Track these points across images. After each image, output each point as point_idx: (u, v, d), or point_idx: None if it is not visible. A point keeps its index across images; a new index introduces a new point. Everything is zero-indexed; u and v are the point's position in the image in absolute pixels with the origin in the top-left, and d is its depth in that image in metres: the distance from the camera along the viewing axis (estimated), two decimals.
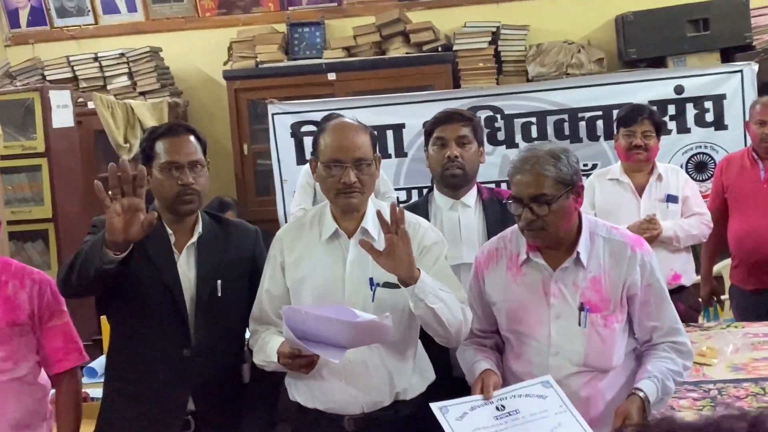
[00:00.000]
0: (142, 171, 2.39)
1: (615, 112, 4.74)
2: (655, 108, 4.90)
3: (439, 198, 3.11)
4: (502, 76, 6.34)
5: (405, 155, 5.82)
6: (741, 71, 5.44)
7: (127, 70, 6.65)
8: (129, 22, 6.92)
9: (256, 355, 2.58)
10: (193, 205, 2.66)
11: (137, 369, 2.68)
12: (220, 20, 6.82)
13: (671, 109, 5.55)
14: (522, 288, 2.50)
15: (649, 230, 3.85)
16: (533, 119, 5.72)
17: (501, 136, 5.73)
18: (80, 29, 6.97)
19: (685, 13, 5.90)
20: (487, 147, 5.54)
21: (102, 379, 2.90)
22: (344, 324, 2.28)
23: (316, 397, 2.56)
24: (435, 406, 2.38)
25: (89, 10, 6.93)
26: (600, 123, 5.58)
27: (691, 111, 5.54)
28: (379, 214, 2.36)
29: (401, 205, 3.12)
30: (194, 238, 2.69)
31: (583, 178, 4.27)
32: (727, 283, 4.62)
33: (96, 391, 3.02)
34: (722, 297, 4.69)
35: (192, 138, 2.69)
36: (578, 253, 2.44)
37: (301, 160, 5.76)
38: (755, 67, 5.42)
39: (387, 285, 2.46)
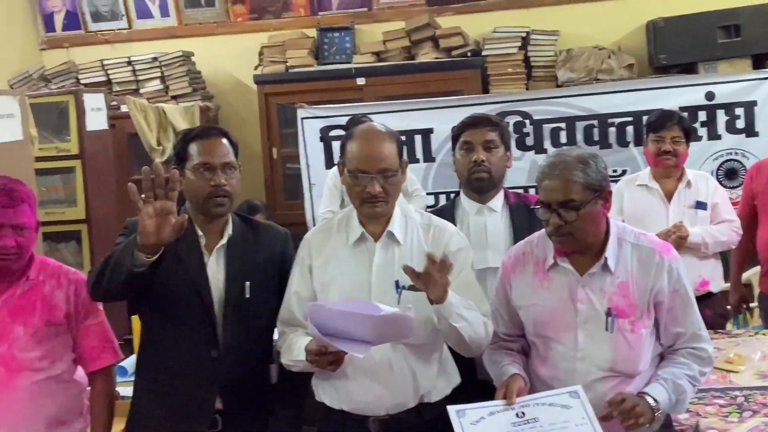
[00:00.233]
0: (174, 174, 2.42)
1: (645, 118, 4.71)
2: (685, 114, 4.89)
3: (465, 202, 3.11)
4: (532, 81, 6.34)
5: (433, 160, 5.84)
6: None
7: (159, 74, 6.73)
8: (162, 27, 7.00)
9: (284, 355, 2.60)
10: (224, 207, 2.68)
11: (166, 369, 2.70)
12: (251, 25, 6.88)
13: (702, 116, 5.52)
14: (549, 293, 2.50)
15: (676, 236, 3.84)
16: (562, 125, 5.70)
17: (530, 141, 5.73)
18: (114, 33, 7.07)
19: (717, 19, 5.86)
20: (516, 152, 5.56)
21: (132, 378, 2.93)
22: (368, 318, 2.27)
23: (341, 398, 2.57)
24: (452, 409, 2.38)
25: (123, 15, 7.02)
26: (630, 129, 5.56)
27: (722, 117, 5.50)
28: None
29: (428, 210, 3.15)
30: (224, 240, 2.71)
31: (613, 184, 4.31)
32: (756, 290, 4.58)
33: (126, 390, 3.06)
34: (751, 304, 4.65)
35: (225, 140, 2.72)
36: (606, 259, 2.43)
37: (329, 164, 5.79)
38: None
39: (413, 288, 2.45)
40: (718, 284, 4.11)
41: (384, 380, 2.53)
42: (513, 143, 5.52)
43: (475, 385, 2.78)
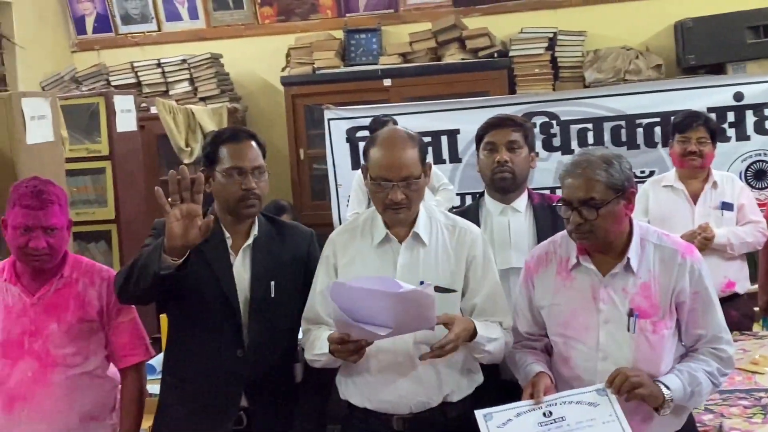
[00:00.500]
0: (200, 177, 2.48)
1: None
2: (713, 115, 4.87)
3: (489, 203, 3.12)
4: (559, 82, 6.35)
5: (459, 161, 5.87)
6: None
7: (188, 76, 6.80)
8: (191, 29, 7.08)
9: (308, 351, 2.62)
10: (255, 209, 2.72)
11: (192, 367, 2.74)
12: (278, 27, 6.94)
13: (730, 116, 5.51)
14: (571, 292, 2.51)
15: (700, 238, 3.84)
16: (590, 125, 5.71)
17: (557, 142, 5.74)
18: (144, 36, 7.16)
19: (745, 20, 5.85)
20: (543, 153, 5.59)
21: (160, 376, 2.98)
22: (388, 296, 2.27)
23: (365, 396, 2.59)
24: (479, 414, 2.39)
25: (152, 17, 7.10)
26: (657, 129, 5.56)
27: (750, 118, 5.49)
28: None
29: (453, 210, 3.17)
30: (250, 240, 2.74)
31: (640, 185, 4.32)
32: None
33: (154, 387, 3.10)
34: None
35: (254, 144, 2.75)
36: (628, 259, 2.44)
37: (355, 165, 5.83)
38: None
39: (437, 289, 2.47)
40: (743, 285, 4.09)
41: (408, 379, 2.55)
42: (540, 144, 5.58)
43: (498, 384, 2.80)
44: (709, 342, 2.48)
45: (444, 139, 5.89)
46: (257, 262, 2.73)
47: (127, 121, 5.62)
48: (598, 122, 5.69)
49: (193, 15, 7.05)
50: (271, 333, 2.72)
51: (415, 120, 5.61)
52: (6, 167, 4.28)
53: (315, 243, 2.87)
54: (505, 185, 3.05)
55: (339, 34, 6.72)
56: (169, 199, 2.44)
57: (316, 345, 2.57)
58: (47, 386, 2.74)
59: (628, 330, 2.42)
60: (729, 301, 3.90)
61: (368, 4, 6.84)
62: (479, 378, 2.69)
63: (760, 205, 4.38)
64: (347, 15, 6.85)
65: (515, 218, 3.07)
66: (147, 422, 2.95)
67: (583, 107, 5.73)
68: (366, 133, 5.43)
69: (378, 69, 6.42)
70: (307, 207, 6.49)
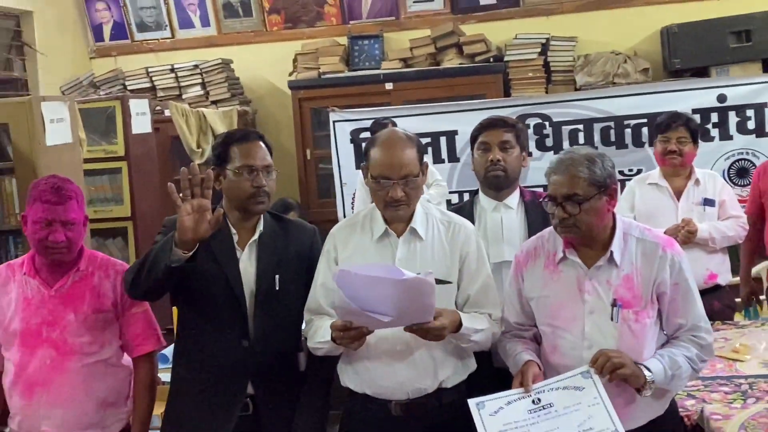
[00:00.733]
0: (209, 174, 2.51)
1: None
2: (697, 116, 4.88)
3: (483, 200, 3.13)
4: (551, 85, 6.35)
5: (457, 160, 5.87)
6: None
7: (200, 81, 6.82)
8: (202, 36, 7.10)
9: (310, 339, 2.63)
10: (264, 206, 2.73)
11: (200, 357, 2.75)
12: (286, 34, 6.95)
13: (714, 117, 5.51)
14: (558, 285, 2.52)
15: (684, 232, 3.85)
16: (580, 126, 5.72)
17: (549, 142, 5.75)
18: (158, 43, 7.18)
19: (728, 25, 5.85)
20: (536, 153, 5.60)
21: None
22: (392, 282, 2.28)
23: (364, 382, 2.61)
24: (472, 402, 2.41)
25: (167, 25, 7.12)
26: (645, 130, 5.56)
27: (733, 119, 5.49)
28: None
29: (448, 209, 3.18)
30: (256, 236, 2.75)
31: (628, 183, 4.33)
32: (766, 283, 4.57)
33: (166, 376, 3.11)
34: (762, 297, 4.64)
35: (263, 143, 2.77)
36: (612, 253, 2.45)
37: (359, 164, 5.82)
38: None
39: (436, 281, 2.49)
40: (725, 277, 4.09)
41: (405, 366, 2.56)
42: (533, 144, 5.59)
43: (491, 371, 2.81)
44: (689, 330, 2.49)
45: (443, 139, 5.90)
46: (262, 257, 2.74)
47: (142, 123, 5.63)
48: (588, 123, 5.70)
49: (205, 23, 7.07)
50: (275, 324, 2.73)
51: (415, 122, 5.63)
52: (27, 167, 4.30)
53: (318, 239, 2.87)
54: (497, 183, 3.06)
55: (343, 40, 6.73)
56: (181, 195, 2.47)
57: (318, 333, 2.58)
58: (65, 373, 2.76)
59: (612, 319, 2.44)
60: (711, 292, 3.91)
61: (371, 12, 6.85)
62: (472, 365, 2.70)
63: (741, 202, 4.39)
64: (351, 22, 6.86)
65: (507, 214, 3.07)
66: (159, 409, 2.96)
67: (574, 109, 5.73)
68: (369, 134, 5.44)
69: (380, 73, 6.43)
70: (314, 205, 6.50)
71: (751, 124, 5.48)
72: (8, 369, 2.82)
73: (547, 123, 5.74)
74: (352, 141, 6.02)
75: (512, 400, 2.41)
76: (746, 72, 5.78)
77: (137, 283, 2.60)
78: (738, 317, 4.40)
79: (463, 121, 5.68)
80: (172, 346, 3.10)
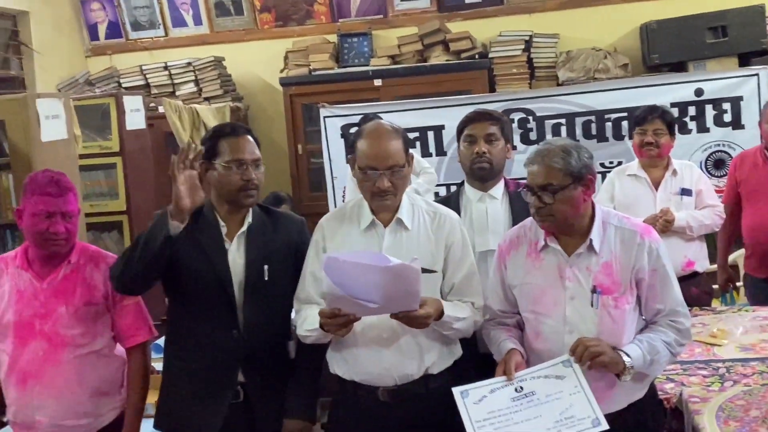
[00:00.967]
0: (199, 151, 2.61)
1: None
2: (675, 110, 4.88)
3: (469, 190, 3.12)
4: (535, 80, 6.34)
5: (444, 154, 5.87)
6: (757, 75, 5.40)
7: (193, 78, 6.78)
8: (195, 35, 7.05)
9: (300, 327, 2.61)
10: (253, 199, 2.71)
11: (192, 346, 2.72)
12: (277, 32, 6.92)
13: (692, 111, 5.52)
14: (540, 272, 2.50)
15: (662, 221, 3.85)
16: (563, 120, 5.71)
17: (533, 136, 5.74)
18: (152, 41, 7.13)
19: (705, 21, 5.84)
20: (520, 146, 5.59)
21: None
22: (378, 269, 2.27)
23: (352, 369, 2.60)
24: (456, 391, 2.39)
25: (160, 24, 7.08)
26: (625, 124, 5.56)
27: (710, 112, 5.50)
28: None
29: (435, 200, 3.16)
30: (244, 228, 2.73)
31: (608, 174, 4.33)
32: (742, 271, 4.57)
33: (161, 365, 3.09)
34: (738, 284, 4.64)
35: (250, 137, 2.74)
36: (591, 241, 2.44)
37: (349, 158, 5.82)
38: None
39: (421, 270, 2.48)
40: (703, 264, 4.09)
41: (391, 353, 2.55)
42: (517, 138, 5.58)
43: (476, 357, 2.79)
44: (667, 315, 2.48)
45: (430, 134, 5.89)
46: (251, 248, 2.71)
47: (136, 119, 5.60)
48: (570, 117, 5.69)
49: (198, 21, 7.03)
50: (264, 313, 2.70)
51: (403, 117, 5.61)
52: (23, 163, 4.28)
53: (306, 230, 2.85)
54: (483, 174, 3.06)
55: (333, 38, 6.69)
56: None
57: (307, 322, 2.57)
58: (57, 364, 2.73)
59: (592, 305, 2.42)
60: (689, 279, 3.91)
61: (359, 10, 6.81)
62: (458, 351, 2.69)
63: (718, 192, 4.39)
64: (340, 20, 6.83)
65: (492, 204, 3.07)
66: (153, 397, 2.92)
67: (556, 104, 5.72)
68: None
69: (369, 70, 6.40)
70: (305, 198, 6.48)
71: (727, 117, 5.48)
72: (2, 360, 2.79)
73: (530, 117, 5.73)
74: (342, 136, 5.99)
75: (496, 389, 2.39)
76: (723, 66, 5.77)
77: (125, 271, 2.58)
78: (715, 303, 4.41)
79: (450, 116, 5.65)
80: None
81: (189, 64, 6.77)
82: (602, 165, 5.43)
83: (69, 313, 2.75)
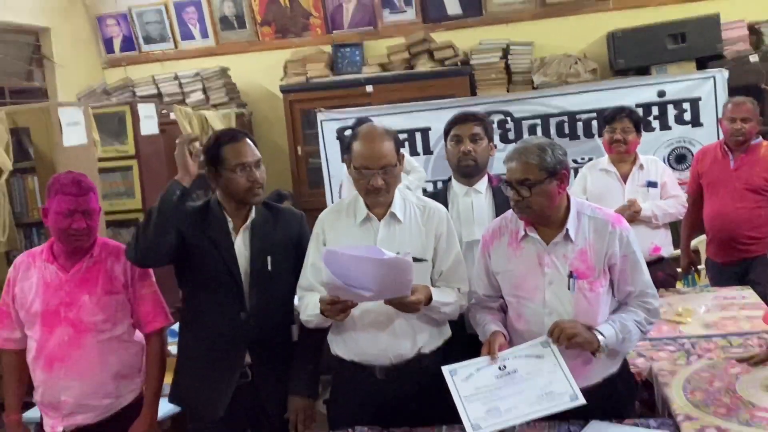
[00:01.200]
0: (194, 137, 2.65)
1: None
2: (640, 110, 4.87)
3: (455, 186, 3.11)
4: (512, 85, 6.31)
5: (431, 153, 5.85)
6: (714, 77, 5.39)
7: (201, 87, 6.74)
8: (202, 47, 7.01)
9: (303, 313, 2.60)
10: (260, 197, 2.70)
11: (203, 328, 2.72)
12: (276, 43, 6.88)
13: (655, 110, 5.51)
14: (521, 260, 2.49)
15: (630, 211, 3.84)
16: (538, 121, 5.70)
17: (511, 135, 5.73)
18: (163, 53, 7.09)
19: (666, 29, 5.83)
20: (500, 145, 5.57)
21: None
22: (373, 261, 2.28)
23: (351, 350, 2.59)
24: (446, 370, 2.39)
25: (170, 38, 7.04)
26: (594, 123, 5.55)
27: (671, 111, 5.49)
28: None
29: (425, 194, 3.15)
30: (248, 222, 2.72)
31: (580, 169, 4.32)
32: (703, 255, 4.58)
33: (176, 349, 3.08)
34: (699, 267, 4.65)
35: (249, 140, 2.72)
36: (567, 230, 2.43)
37: (344, 158, 5.78)
38: (726, 73, 5.38)
39: (413, 259, 2.46)
40: (668, 250, 4.09)
41: (387, 334, 2.54)
42: (497, 138, 5.56)
43: (464, 337, 2.78)
44: (638, 296, 2.47)
45: (418, 135, 5.87)
46: (255, 240, 2.71)
47: (150, 126, 5.56)
48: (545, 118, 5.67)
49: (204, 35, 6.98)
50: (269, 300, 2.70)
51: (393, 120, 5.59)
52: (47, 167, 4.26)
53: (305, 223, 2.84)
54: (468, 171, 3.05)
55: (328, 48, 6.66)
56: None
57: (309, 308, 2.56)
58: (81, 349, 2.72)
59: (569, 289, 2.41)
60: (656, 264, 3.91)
61: (351, 23, 6.78)
62: (447, 332, 2.69)
63: (681, 183, 4.39)
64: (334, 32, 6.79)
65: (477, 198, 3.06)
66: (169, 378, 2.91)
67: (532, 106, 5.71)
68: (352, 131, 5.39)
69: (361, 77, 6.36)
70: (305, 194, 6.45)
71: (687, 116, 5.47)
72: (30, 346, 2.77)
73: (509, 119, 5.72)
74: (337, 138, 5.98)
75: (481, 367, 2.39)
76: (682, 70, 5.76)
77: (140, 239, 2.57)
78: (679, 285, 4.41)
79: (436, 119, 5.66)
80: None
81: (197, 74, 6.73)
82: (574, 161, 5.42)
83: (92, 302, 2.73)
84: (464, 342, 2.73)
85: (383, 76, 6.36)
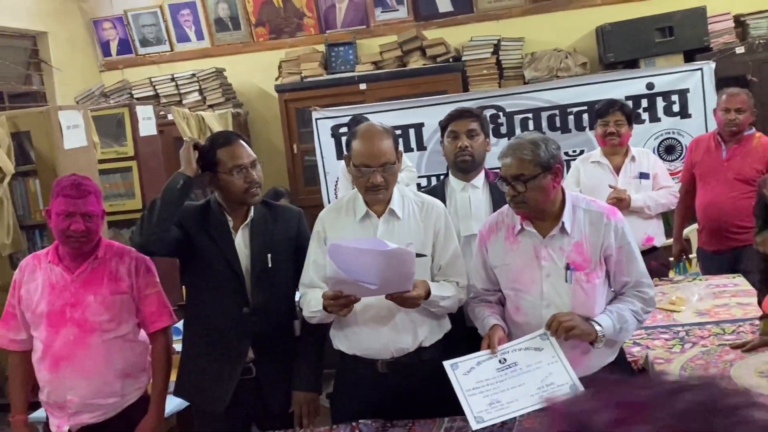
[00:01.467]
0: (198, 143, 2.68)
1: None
2: (630, 102, 4.87)
3: (453, 181, 3.09)
4: (503, 80, 6.31)
5: (425, 149, 5.83)
6: (701, 69, 5.38)
7: (198, 88, 6.72)
8: (198, 48, 6.99)
9: (305, 309, 2.59)
10: (258, 197, 2.69)
11: (207, 325, 2.72)
12: (271, 44, 6.86)
13: (644, 103, 5.50)
14: (518, 253, 2.48)
15: (613, 198, 3.82)
16: (530, 115, 5.68)
17: (503, 130, 5.71)
18: (159, 55, 7.06)
19: (654, 23, 5.84)
20: (492, 140, 5.45)
21: None
22: (377, 253, 2.27)
23: (353, 345, 2.58)
24: (447, 364, 2.38)
25: (166, 40, 7.01)
26: (585, 116, 5.54)
27: (660, 103, 5.48)
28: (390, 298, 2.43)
29: (422, 190, 3.14)
30: (248, 220, 2.71)
31: (573, 162, 4.32)
32: (695, 244, 4.58)
33: (180, 346, 3.07)
34: (690, 255, 4.65)
35: (243, 142, 2.71)
36: (563, 223, 2.42)
37: (340, 155, 5.80)
38: (713, 65, 5.37)
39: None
40: (660, 240, 4.10)
41: (388, 329, 2.54)
42: (490, 131, 5.54)
43: (464, 331, 2.77)
44: (633, 286, 2.47)
45: (411, 131, 5.85)
46: (255, 238, 2.70)
47: (148, 127, 5.55)
48: (536, 112, 5.66)
49: (200, 36, 6.96)
50: (270, 296, 2.69)
51: (386, 116, 5.57)
52: (48, 169, 4.24)
53: (303, 220, 2.83)
54: (466, 166, 3.03)
55: (321, 47, 6.64)
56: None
57: (312, 304, 2.55)
58: (87, 348, 2.71)
59: (566, 281, 2.41)
60: (649, 253, 3.91)
61: (344, 22, 6.76)
62: (447, 326, 2.68)
63: (672, 174, 4.39)
64: (327, 32, 6.77)
65: (474, 193, 3.04)
66: (174, 375, 2.90)
67: (524, 100, 5.69)
68: (347, 129, 5.39)
69: (355, 75, 6.35)
70: (301, 192, 6.44)
71: (675, 108, 5.47)
72: (36, 347, 2.76)
73: (501, 113, 5.70)
74: (332, 135, 5.95)
75: (482, 361, 2.38)
76: (670, 62, 5.77)
77: (144, 226, 2.58)
78: (671, 274, 4.41)
79: (428, 115, 5.64)
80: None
81: (193, 75, 6.71)
82: (566, 154, 5.41)
83: (97, 302, 2.72)
84: (464, 335, 2.73)
85: (376, 73, 6.35)
